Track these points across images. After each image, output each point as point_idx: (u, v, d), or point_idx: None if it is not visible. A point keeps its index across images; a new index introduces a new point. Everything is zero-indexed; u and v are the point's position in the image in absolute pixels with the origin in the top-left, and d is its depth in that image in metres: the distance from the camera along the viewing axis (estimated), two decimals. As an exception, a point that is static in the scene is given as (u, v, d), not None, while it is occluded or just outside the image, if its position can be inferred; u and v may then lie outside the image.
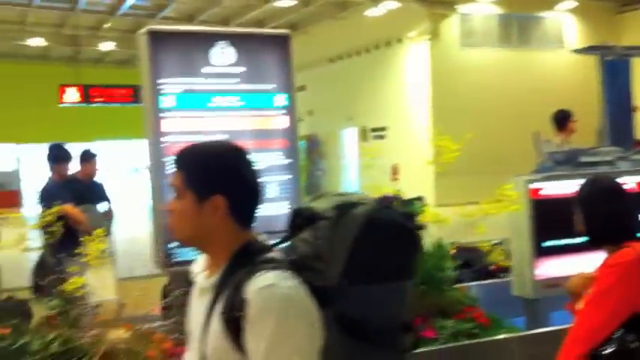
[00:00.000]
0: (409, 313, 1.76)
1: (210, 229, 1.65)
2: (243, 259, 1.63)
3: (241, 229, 1.67)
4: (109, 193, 6.70)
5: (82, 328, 2.93)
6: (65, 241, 3.22)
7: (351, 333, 1.63)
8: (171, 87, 3.38)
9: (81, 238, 3.06)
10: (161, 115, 3.36)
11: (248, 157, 1.71)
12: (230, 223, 1.65)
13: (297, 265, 1.65)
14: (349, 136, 22.51)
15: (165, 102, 3.38)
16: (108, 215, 6.50)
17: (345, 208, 1.69)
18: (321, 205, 1.74)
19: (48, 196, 3.62)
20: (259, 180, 1.71)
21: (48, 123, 22.06)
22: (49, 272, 3.06)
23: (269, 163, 3.51)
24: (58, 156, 5.82)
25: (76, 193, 5.59)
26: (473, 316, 3.64)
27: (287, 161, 3.59)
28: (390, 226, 1.70)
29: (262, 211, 1.72)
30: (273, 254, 1.66)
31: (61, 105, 18.24)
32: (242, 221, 1.67)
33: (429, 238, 3.65)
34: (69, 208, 5.03)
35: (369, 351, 1.65)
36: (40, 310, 3.04)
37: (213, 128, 3.39)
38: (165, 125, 3.36)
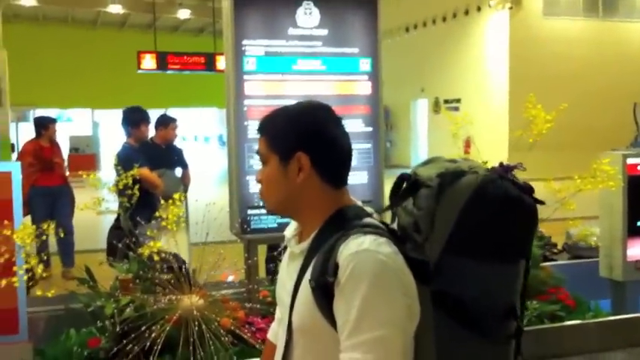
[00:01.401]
0: (518, 299, 1.56)
1: (298, 191, 1.55)
2: (337, 224, 1.51)
3: (332, 190, 1.55)
4: (186, 158, 6.72)
5: (156, 294, 2.89)
6: (141, 205, 3.17)
7: (449, 315, 1.48)
8: (254, 49, 3.27)
9: (157, 202, 3.00)
10: (244, 77, 3.25)
11: (332, 114, 1.59)
12: (318, 182, 1.54)
13: (395, 235, 1.53)
14: (420, 108, 22.17)
15: (248, 64, 3.27)
16: (185, 180, 6.51)
17: (451, 176, 1.53)
18: (427, 171, 1.58)
19: (124, 160, 3.57)
20: (345, 138, 1.58)
21: (125, 89, 22.51)
22: (124, 236, 3.01)
23: (349, 130, 3.35)
24: (132, 119, 5.71)
25: (152, 158, 5.59)
26: (558, 297, 3.46)
27: (368, 129, 3.43)
28: (502, 199, 1.50)
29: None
30: (371, 220, 1.53)
31: (138, 71, 18.51)
32: (331, 180, 1.55)
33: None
34: (145, 171, 5.03)
35: (466, 336, 1.49)
36: (115, 274, 3.01)
37: (295, 92, 3.26)
38: (247, 88, 3.25)
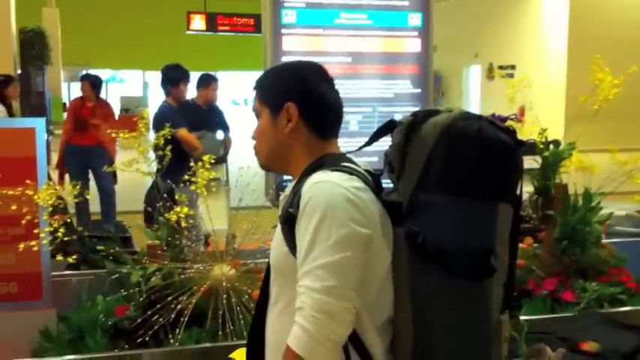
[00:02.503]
0: (499, 244, 1.50)
1: (287, 141, 1.60)
2: (316, 168, 1.53)
3: (319, 140, 1.61)
4: (228, 120, 6.54)
5: (186, 262, 2.72)
6: (176, 167, 3.00)
7: (423, 256, 1.45)
8: (294, 1, 3.04)
9: (192, 165, 2.81)
10: (282, 31, 3.03)
11: (322, 71, 1.66)
12: (305, 132, 1.60)
13: (376, 181, 1.56)
14: (473, 74, 21.57)
15: (287, 17, 3.04)
16: (226, 143, 6.35)
17: (423, 114, 1.52)
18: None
19: (160, 120, 3.33)
20: (334, 94, 1.64)
21: (174, 51, 22.36)
22: (156, 199, 2.84)
23: (395, 91, 3.13)
24: (171, 77, 5.46)
25: (192, 119, 5.42)
26: (619, 279, 3.18)
27: (416, 90, 3.17)
28: (473, 136, 1.46)
29: (381, 146, 1.59)
30: (348, 164, 1.54)
31: (187, 32, 18.38)
32: (318, 130, 1.60)
33: (571, 187, 3.21)
34: (182, 132, 4.85)
35: (442, 276, 1.45)
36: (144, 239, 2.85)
37: (337, 48, 3.01)
38: (285, 43, 3.02)
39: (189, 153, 4.73)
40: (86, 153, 6.98)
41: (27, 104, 10.98)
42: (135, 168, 2.95)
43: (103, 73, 17.16)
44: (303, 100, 1.59)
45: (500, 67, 19.93)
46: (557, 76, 17.26)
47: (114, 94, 24.47)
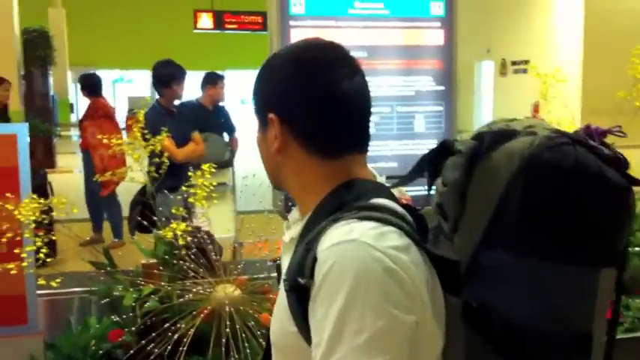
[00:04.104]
0: (599, 326, 1.06)
1: (279, 163, 1.17)
2: (332, 205, 1.08)
3: (324, 162, 1.13)
4: (235, 121, 6.24)
5: (184, 281, 2.45)
6: (171, 173, 2.72)
7: (486, 338, 1.02)
8: (303, -11, 2.72)
9: (190, 173, 2.54)
10: (290, 22, 2.72)
11: (334, 56, 1.14)
12: (298, 151, 1.13)
13: (421, 225, 1.12)
14: (486, 70, 21.21)
15: (296, 7, 2.73)
16: (232, 145, 6.05)
17: (492, 138, 1.05)
18: (467, 135, 1.11)
19: (151, 124, 2.96)
20: (350, 90, 1.12)
21: (181, 50, 22.14)
22: (147, 210, 2.57)
23: (416, 89, 2.82)
24: (163, 75, 4.81)
25: (195, 120, 5.09)
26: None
27: (439, 88, 2.88)
28: (569, 172, 1.00)
29: (401, 150, 1.14)
30: (381, 201, 1.07)
31: (195, 31, 18.15)
32: (317, 148, 1.12)
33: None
34: (165, 141, 4.42)
35: None
36: (138, 257, 2.58)
37: (351, 42, 2.70)
38: (294, 36, 2.71)
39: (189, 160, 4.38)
40: (82, 158, 6.75)
41: (31, 106, 10.75)
42: (130, 177, 2.68)
43: (110, 74, 16.96)
44: (286, 108, 1.13)
45: (514, 63, 19.61)
46: (572, 71, 16.93)
47: (122, 94, 24.28)
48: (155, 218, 2.62)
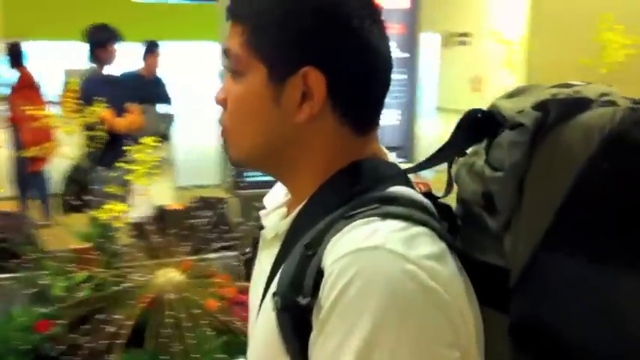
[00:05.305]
0: None
1: (296, 135, 0.85)
2: (340, 190, 0.82)
3: (353, 137, 0.86)
4: (170, 92, 5.96)
5: (123, 267, 2.23)
6: (108, 149, 2.49)
7: None
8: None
9: (125, 147, 2.31)
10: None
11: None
12: (331, 122, 0.84)
13: (449, 219, 0.87)
14: (428, 42, 21.21)
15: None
16: (168, 117, 5.78)
17: (561, 107, 0.79)
18: (517, 103, 0.84)
19: (85, 96, 2.68)
20: (387, 47, 0.86)
21: (119, 21, 21.46)
22: (81, 189, 2.33)
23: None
24: (96, 38, 4.51)
25: (137, 91, 4.81)
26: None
27: (404, 55, 2.68)
28: None
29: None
30: (402, 190, 0.82)
31: (133, 0, 17.52)
32: (356, 119, 0.85)
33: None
34: (105, 112, 4.11)
35: None
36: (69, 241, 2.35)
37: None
38: None
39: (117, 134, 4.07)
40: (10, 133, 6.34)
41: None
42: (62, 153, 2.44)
43: (44, 45, 16.25)
44: (340, 63, 0.82)
45: (453, 35, 19.63)
46: (516, 44, 16.99)
47: (58, 67, 23.41)
48: (89, 197, 2.38)
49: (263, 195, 2.72)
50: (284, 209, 0.95)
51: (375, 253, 0.71)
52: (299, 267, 0.76)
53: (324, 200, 0.83)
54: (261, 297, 0.86)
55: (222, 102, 0.90)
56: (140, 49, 5.76)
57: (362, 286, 0.69)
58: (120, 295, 2.15)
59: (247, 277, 0.96)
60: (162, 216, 2.60)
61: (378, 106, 0.88)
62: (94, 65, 4.55)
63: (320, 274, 0.73)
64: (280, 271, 0.80)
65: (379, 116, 0.89)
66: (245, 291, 2.32)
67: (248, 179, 2.39)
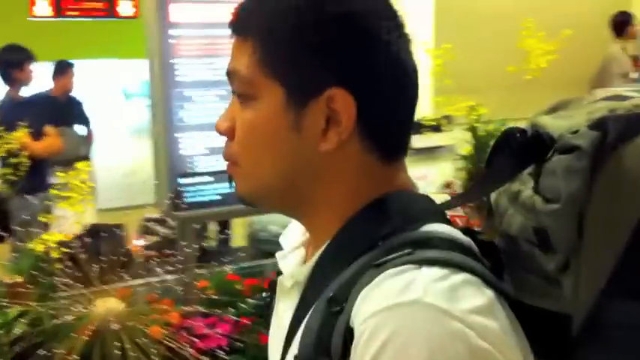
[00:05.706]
0: None
1: (319, 166, 0.73)
2: (369, 230, 0.70)
3: (380, 166, 0.75)
4: (88, 113, 5.75)
5: (59, 299, 2.12)
6: (28, 175, 2.36)
7: None
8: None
9: (48, 169, 2.20)
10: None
11: (395, 15, 0.76)
12: (358, 151, 0.73)
13: (494, 261, 0.75)
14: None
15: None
16: (87, 139, 5.57)
17: (626, 124, 0.67)
18: (564, 120, 0.73)
19: (4, 122, 2.54)
20: (414, 65, 0.76)
21: (16, 39, 20.64)
22: (3, 217, 2.21)
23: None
24: (11, 59, 4.30)
25: (49, 114, 4.59)
26: None
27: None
28: None
29: None
30: (439, 228, 0.71)
31: (29, 19, 16.87)
32: (385, 146, 0.75)
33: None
34: (24, 136, 3.90)
35: None
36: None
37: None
38: (174, 13, 2.29)
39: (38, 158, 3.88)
40: None
41: None
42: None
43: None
44: (368, 84, 0.72)
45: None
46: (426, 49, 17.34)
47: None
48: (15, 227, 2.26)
49: (202, 216, 2.65)
50: (302, 250, 0.84)
51: (413, 309, 0.60)
52: (324, 325, 0.65)
53: (349, 243, 0.72)
54: (280, 355, 0.76)
55: (227, 131, 0.77)
56: (49, 68, 5.53)
57: (399, 350, 0.59)
58: (59, 329, 2.04)
59: (267, 323, 0.86)
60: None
61: (406, 129, 0.78)
62: (8, 88, 4.34)
63: (349, 333, 0.63)
64: (302, 328, 0.69)
65: (408, 141, 0.78)
66: (189, 315, 2.26)
67: (188, 200, 2.31)
